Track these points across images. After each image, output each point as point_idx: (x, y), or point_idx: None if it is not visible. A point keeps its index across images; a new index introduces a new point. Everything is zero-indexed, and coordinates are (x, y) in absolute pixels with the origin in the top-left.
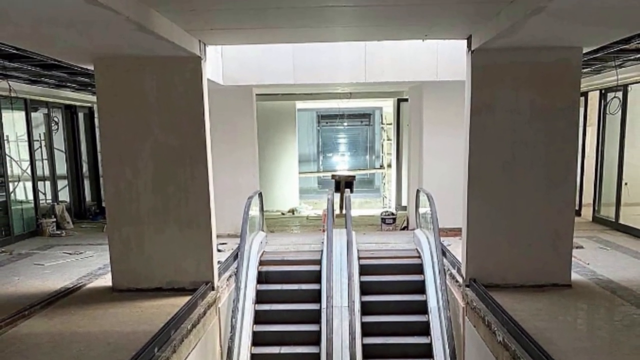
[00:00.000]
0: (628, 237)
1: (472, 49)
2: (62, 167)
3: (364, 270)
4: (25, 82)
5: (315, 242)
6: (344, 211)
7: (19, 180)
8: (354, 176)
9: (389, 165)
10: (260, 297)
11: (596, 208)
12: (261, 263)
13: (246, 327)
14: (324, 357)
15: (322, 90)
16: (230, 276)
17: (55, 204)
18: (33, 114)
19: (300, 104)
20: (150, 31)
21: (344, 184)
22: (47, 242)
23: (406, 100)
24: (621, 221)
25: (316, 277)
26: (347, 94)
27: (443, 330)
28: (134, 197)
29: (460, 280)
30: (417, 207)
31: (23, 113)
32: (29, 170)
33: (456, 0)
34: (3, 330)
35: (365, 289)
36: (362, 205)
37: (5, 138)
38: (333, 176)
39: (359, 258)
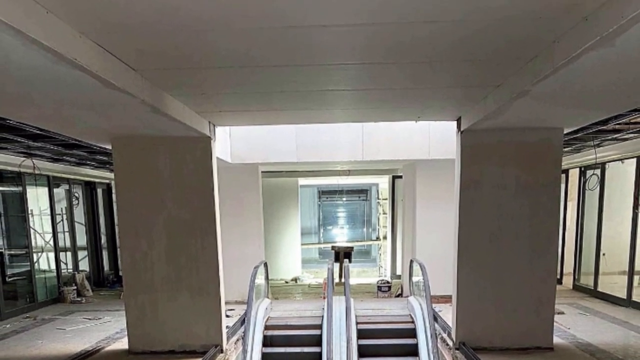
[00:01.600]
0: (606, 304)
1: (462, 129)
2: (82, 239)
3: (361, 334)
4: (48, 160)
5: (316, 308)
6: (343, 280)
7: (42, 251)
8: (352, 247)
9: (385, 237)
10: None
11: (576, 277)
12: (266, 327)
13: None
14: None
15: (322, 168)
16: (237, 340)
17: (76, 273)
18: (55, 190)
19: (302, 181)
20: (164, 113)
21: (343, 255)
22: (68, 309)
23: (400, 177)
24: (599, 289)
25: (317, 341)
26: (346, 171)
27: None
28: (148, 266)
29: (450, 343)
30: (410, 275)
31: (46, 189)
32: (51, 242)
33: (446, 85)
34: None
35: (363, 351)
36: (359, 274)
37: (30, 212)
38: (333, 247)
39: (357, 323)
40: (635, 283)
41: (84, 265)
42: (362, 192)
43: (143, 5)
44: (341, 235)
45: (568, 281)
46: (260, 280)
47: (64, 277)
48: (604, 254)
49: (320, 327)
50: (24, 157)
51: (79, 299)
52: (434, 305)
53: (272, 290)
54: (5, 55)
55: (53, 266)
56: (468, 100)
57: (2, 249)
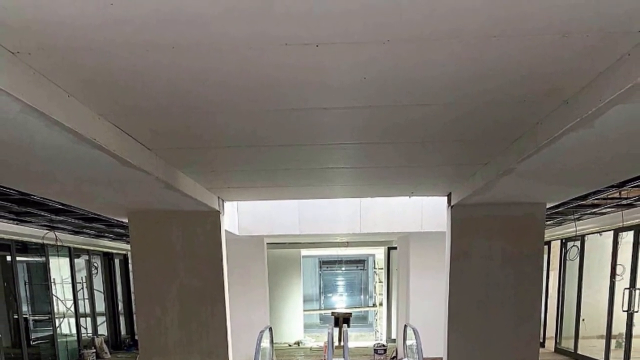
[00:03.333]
0: None
1: (452, 204)
2: (100, 305)
3: None
4: (70, 233)
5: None
6: (342, 343)
7: (64, 317)
8: (350, 313)
9: (381, 304)
10: None
11: (558, 340)
12: None
13: None
14: None
15: (323, 240)
16: None
17: (95, 336)
18: (76, 260)
19: (304, 251)
20: (177, 189)
21: (342, 320)
22: None
23: (395, 248)
24: (579, 352)
25: None
26: (345, 242)
27: None
28: (162, 331)
29: None
30: (404, 339)
31: (67, 259)
32: (72, 308)
33: (437, 163)
34: None
35: None
36: (357, 338)
37: (52, 280)
38: (333, 313)
39: None
40: (612, 346)
41: (103, 329)
42: (360, 262)
43: (157, 89)
44: (340, 302)
45: (550, 344)
46: (265, 343)
47: (84, 341)
48: (583, 319)
49: None
50: (47, 229)
51: None
52: None
53: (276, 352)
54: (30, 136)
55: (74, 330)
56: (458, 177)
57: (27, 314)
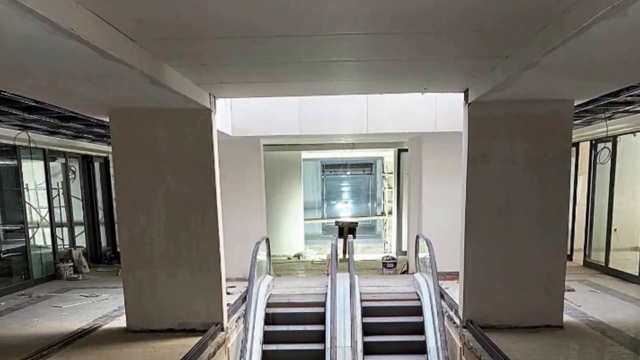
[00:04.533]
0: (617, 281)
1: (469, 101)
2: (79, 214)
3: (366, 312)
4: (44, 133)
5: (319, 285)
6: (347, 256)
7: (37, 227)
8: (356, 223)
9: (390, 212)
10: (268, 338)
11: (587, 253)
12: (268, 305)
13: None
14: None
15: (326, 141)
16: (239, 318)
17: (73, 249)
18: (51, 164)
19: (305, 154)
20: (163, 85)
21: (347, 230)
22: (64, 286)
23: (406, 150)
24: (610, 265)
25: (321, 319)
26: (350, 144)
27: None
28: (147, 242)
29: (457, 321)
30: (416, 252)
31: (42, 163)
32: (47, 217)
33: (453, 56)
34: None
35: (367, 329)
36: (364, 250)
37: (25, 187)
38: (336, 223)
39: (362, 300)
40: None
41: (81, 241)
42: (367, 165)
43: None
44: (345, 210)
45: (578, 257)
46: (262, 256)
47: (60, 254)
48: (615, 230)
49: (323, 304)
50: (19, 129)
51: (75, 275)
52: (440, 282)
53: (274, 266)
54: (0, 25)
55: (49, 242)
56: (476, 72)
57: None
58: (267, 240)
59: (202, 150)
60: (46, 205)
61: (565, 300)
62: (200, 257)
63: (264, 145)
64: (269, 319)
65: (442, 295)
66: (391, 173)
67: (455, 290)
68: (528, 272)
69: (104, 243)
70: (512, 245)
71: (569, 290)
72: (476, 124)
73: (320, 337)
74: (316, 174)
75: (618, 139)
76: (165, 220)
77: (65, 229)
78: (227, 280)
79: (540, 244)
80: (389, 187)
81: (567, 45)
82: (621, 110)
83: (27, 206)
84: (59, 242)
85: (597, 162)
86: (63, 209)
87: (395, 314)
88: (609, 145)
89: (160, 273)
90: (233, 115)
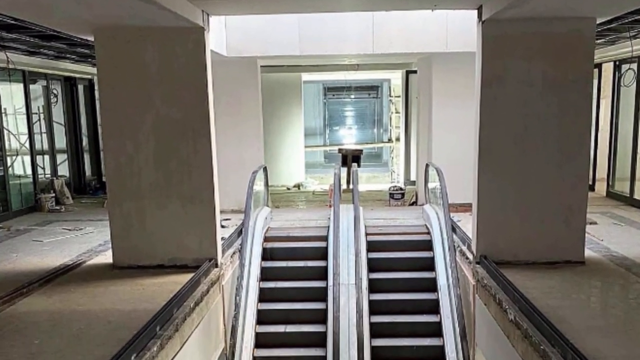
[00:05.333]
0: None
1: (483, 19)
2: (61, 141)
3: (371, 246)
4: (24, 54)
5: (321, 217)
6: (351, 186)
7: (17, 155)
8: (361, 150)
9: (397, 139)
10: (265, 275)
11: (610, 183)
12: (266, 239)
13: (250, 305)
14: (331, 335)
15: (328, 62)
16: (234, 253)
17: (54, 178)
18: (31, 86)
19: (306, 76)
20: (152, 1)
21: (351, 158)
22: (45, 218)
23: (415, 72)
24: (636, 196)
25: (322, 254)
26: (354, 65)
27: (453, 308)
28: (135, 171)
29: (470, 257)
30: (426, 182)
31: (21, 85)
32: (27, 144)
33: None
34: (1, 309)
35: (372, 266)
36: (369, 180)
37: (3, 111)
38: (340, 150)
39: (367, 234)
40: None
41: (64, 170)
42: (373, 88)
43: None
44: (349, 137)
45: (601, 188)
46: (259, 186)
47: (41, 184)
48: None
49: (325, 238)
50: None
51: (57, 207)
52: (452, 214)
53: (272, 197)
54: None
55: (29, 171)
56: None
57: None
58: (265, 169)
59: (194, 72)
60: (26, 131)
61: (586, 234)
62: (192, 188)
63: (261, 66)
64: (267, 254)
65: (453, 228)
66: (399, 96)
67: (468, 223)
68: (546, 203)
69: (88, 172)
70: (530, 175)
71: (590, 223)
72: (490, 43)
73: (322, 274)
74: (318, 98)
75: None
76: (155, 147)
77: (47, 157)
78: (221, 212)
79: (560, 173)
80: (397, 112)
81: None
82: None
83: (5, 132)
84: (39, 171)
85: (622, 84)
86: (44, 136)
87: (403, 248)
88: (634, 66)
89: (149, 205)
90: (228, 34)
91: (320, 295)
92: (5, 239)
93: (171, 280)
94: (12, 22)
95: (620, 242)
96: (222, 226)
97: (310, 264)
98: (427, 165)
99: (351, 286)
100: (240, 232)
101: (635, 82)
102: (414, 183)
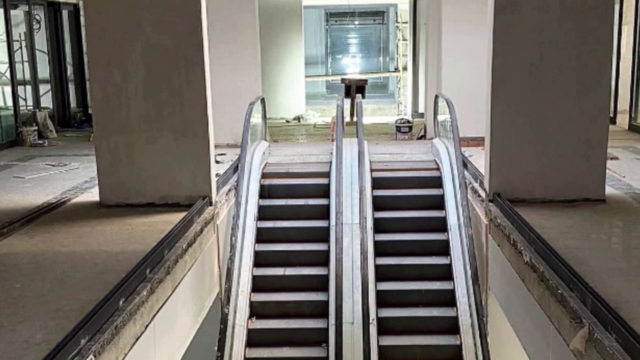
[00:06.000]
0: None
1: None
2: (44, 71)
3: (377, 183)
4: None
5: (323, 152)
6: (354, 118)
7: None
8: (366, 80)
9: (405, 68)
10: (263, 213)
11: (632, 115)
12: (264, 176)
13: (247, 247)
14: (333, 278)
15: None
16: (229, 190)
17: (37, 110)
18: (12, 12)
19: (306, 0)
20: None
21: (354, 89)
22: (27, 153)
23: None
24: None
25: (324, 191)
26: None
27: (464, 249)
28: (123, 102)
29: (483, 194)
30: (435, 114)
31: (1, 10)
32: (7, 74)
33: None
34: None
35: (378, 204)
36: (374, 112)
37: None
38: (343, 80)
39: (372, 170)
40: None
41: (47, 101)
42: (378, 14)
43: None
44: (353, 66)
45: (623, 120)
46: (256, 119)
47: (23, 116)
48: None
49: (327, 175)
50: None
51: (40, 141)
52: (463, 149)
53: (270, 131)
54: None
55: (10, 102)
56: None
57: None
58: (263, 101)
59: None
60: (6, 59)
61: (607, 170)
62: (185, 120)
63: None
64: (265, 192)
65: (464, 164)
66: (406, 23)
67: (480, 159)
68: (564, 137)
69: (73, 104)
70: (546, 107)
71: (611, 159)
72: None
73: (323, 213)
74: (319, 24)
75: None
76: (144, 77)
77: (29, 88)
78: (215, 147)
79: (579, 105)
80: (404, 39)
81: None
82: None
83: None
84: (21, 102)
85: None
86: (26, 65)
87: (410, 185)
88: None
89: (139, 138)
90: None
91: (322, 235)
92: None
93: (162, 220)
94: None
95: None
96: (217, 161)
97: (311, 202)
98: (436, 96)
99: (355, 226)
100: (236, 168)
101: None
102: (422, 115)
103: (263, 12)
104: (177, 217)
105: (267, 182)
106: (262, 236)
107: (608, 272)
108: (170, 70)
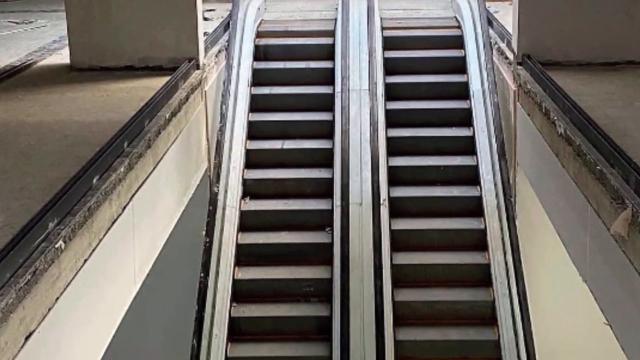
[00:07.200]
0: None
1: None
2: None
3: (388, 43)
4: None
5: (327, 8)
6: None
7: None
8: None
9: None
10: (258, 78)
11: None
12: (259, 35)
13: (240, 116)
14: (338, 152)
15: None
16: (219, 51)
17: None
18: None
19: None
20: None
21: None
22: None
23: None
24: None
25: (328, 53)
26: None
27: (489, 119)
28: None
29: (510, 56)
30: None
31: None
32: None
33: None
34: None
35: (390, 67)
36: None
37: None
38: None
39: (383, 28)
40: None
41: None
42: None
43: None
44: None
45: None
46: None
47: None
48: None
49: (332, 34)
50: None
51: None
52: (488, 4)
53: None
54: None
55: None
56: None
57: None
58: None
59: None
60: None
61: None
62: None
63: None
64: (260, 53)
65: (490, 21)
66: None
67: (507, 15)
68: None
69: None
70: None
71: None
72: None
73: (327, 77)
74: None
75: None
76: None
77: None
78: (203, 1)
79: None
80: None
81: None
82: None
83: None
84: None
85: None
86: None
87: (427, 46)
88: None
89: None
90: None
91: (326, 103)
92: None
93: (142, 85)
94: None
95: None
96: (205, 18)
97: (313, 65)
98: None
99: (364, 92)
100: (227, 25)
101: None
102: None
103: None
104: (159, 82)
105: (263, 42)
106: (256, 104)
107: None
108: None
